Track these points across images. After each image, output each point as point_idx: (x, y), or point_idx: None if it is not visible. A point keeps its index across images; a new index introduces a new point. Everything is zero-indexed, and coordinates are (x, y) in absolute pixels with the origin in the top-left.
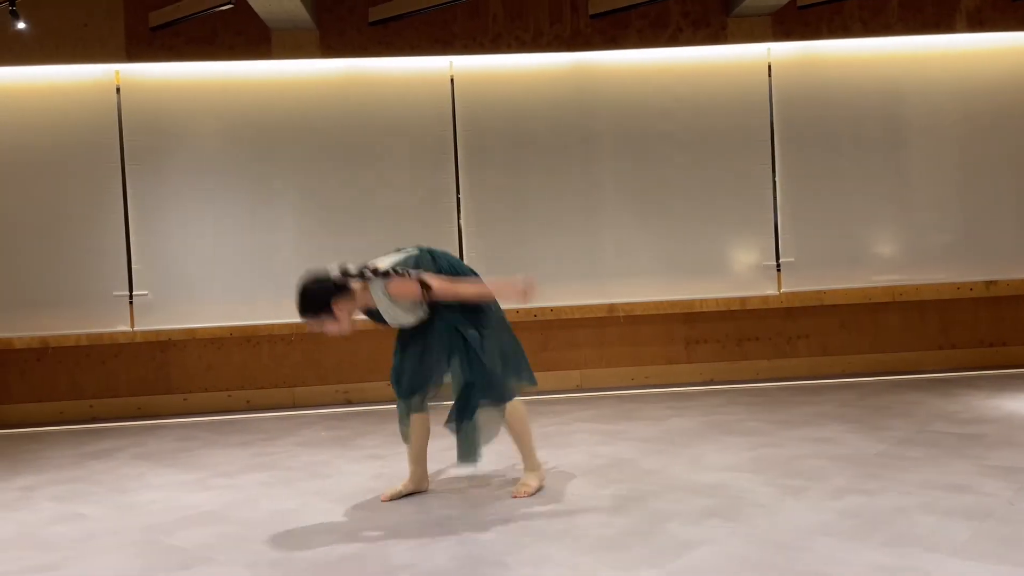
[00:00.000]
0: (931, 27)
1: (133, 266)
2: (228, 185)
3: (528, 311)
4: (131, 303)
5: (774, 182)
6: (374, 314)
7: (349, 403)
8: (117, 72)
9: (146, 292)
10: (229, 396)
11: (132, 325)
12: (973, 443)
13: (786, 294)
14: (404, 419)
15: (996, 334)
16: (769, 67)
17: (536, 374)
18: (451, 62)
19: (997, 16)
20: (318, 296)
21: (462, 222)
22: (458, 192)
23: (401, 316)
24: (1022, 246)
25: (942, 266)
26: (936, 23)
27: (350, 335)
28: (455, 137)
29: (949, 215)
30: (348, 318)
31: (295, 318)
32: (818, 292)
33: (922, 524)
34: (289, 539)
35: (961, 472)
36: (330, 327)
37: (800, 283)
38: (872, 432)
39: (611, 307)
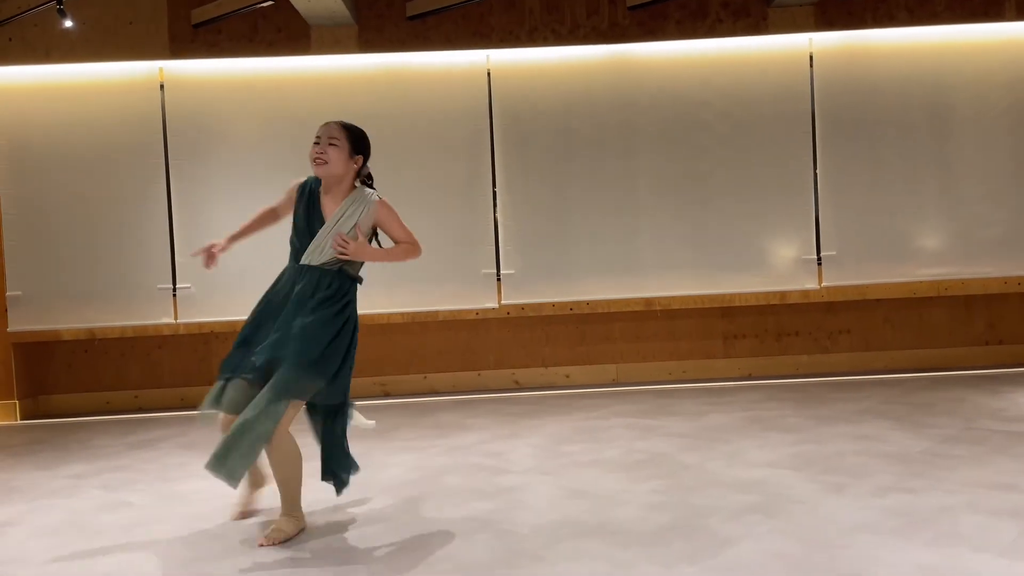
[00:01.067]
0: (979, 15)
1: (176, 260)
2: (268, 180)
3: (564, 304)
4: (174, 296)
5: (815, 174)
6: (308, 214)
7: (387, 395)
8: (161, 69)
9: (189, 285)
10: None
11: (176, 317)
12: (1020, 441)
13: (827, 288)
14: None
15: None
16: (811, 57)
17: (572, 368)
18: (487, 56)
19: None
20: (358, 135)
21: (498, 215)
22: (494, 186)
23: (327, 243)
24: None
25: (989, 260)
26: (984, 11)
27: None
28: (491, 131)
29: (997, 207)
30: (339, 164)
31: None
32: (860, 286)
33: (968, 523)
34: (330, 528)
35: (1007, 471)
36: (330, 153)
37: (842, 277)
38: (916, 429)
39: (648, 301)
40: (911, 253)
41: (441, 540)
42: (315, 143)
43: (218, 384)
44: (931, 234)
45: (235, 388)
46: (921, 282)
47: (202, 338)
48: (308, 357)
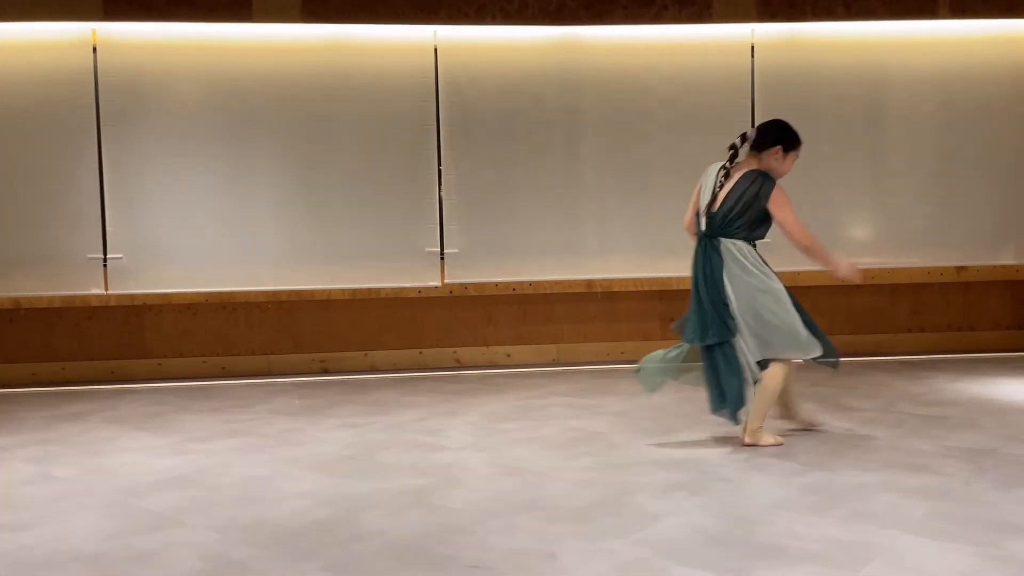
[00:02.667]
0: (914, 12)
1: (108, 229)
2: (206, 149)
3: (507, 285)
4: (105, 266)
5: None
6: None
7: (326, 372)
8: (94, 31)
9: (120, 256)
10: (204, 362)
11: (106, 288)
12: (935, 425)
13: None
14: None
15: (965, 319)
16: (752, 48)
17: (513, 348)
18: (435, 32)
19: (979, 3)
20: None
21: (443, 193)
22: (439, 164)
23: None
24: (994, 233)
25: (915, 251)
26: (919, 9)
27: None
28: (437, 108)
29: (925, 201)
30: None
31: (272, 285)
32: (792, 273)
33: (880, 501)
34: (260, 504)
35: (921, 452)
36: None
37: (775, 264)
38: (839, 411)
39: (589, 283)
40: (841, 242)
41: (372, 515)
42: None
43: None
44: (861, 225)
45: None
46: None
47: (134, 310)
48: None
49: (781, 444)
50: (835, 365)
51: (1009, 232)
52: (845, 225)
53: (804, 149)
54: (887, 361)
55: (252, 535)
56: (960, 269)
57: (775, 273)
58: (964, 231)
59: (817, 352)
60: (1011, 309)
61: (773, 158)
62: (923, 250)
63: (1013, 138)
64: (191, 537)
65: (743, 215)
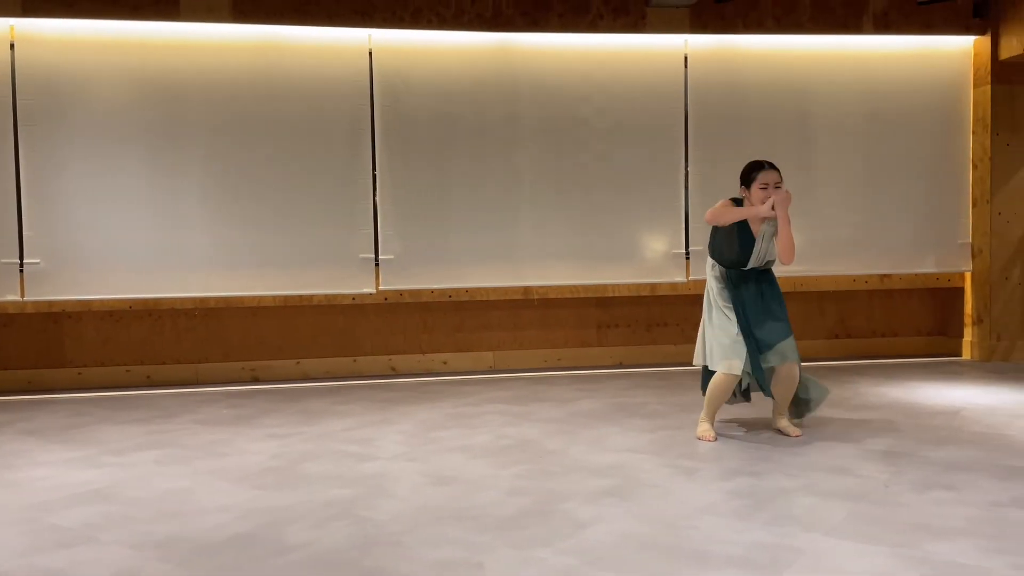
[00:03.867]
0: (840, 27)
1: (24, 232)
2: (130, 151)
3: (443, 291)
4: (21, 271)
5: (686, 171)
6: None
7: (256, 381)
8: (12, 27)
9: (38, 260)
10: (128, 371)
11: (23, 295)
12: (857, 428)
13: (694, 281)
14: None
15: (888, 325)
16: (686, 58)
17: (450, 355)
18: (370, 35)
19: (902, 19)
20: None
21: (378, 198)
22: (374, 168)
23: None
24: (915, 242)
25: (841, 259)
26: (845, 24)
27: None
28: (372, 112)
29: (850, 211)
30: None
31: (200, 292)
32: None
33: (802, 505)
34: (177, 519)
35: (844, 455)
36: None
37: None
38: (767, 416)
39: (526, 290)
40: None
41: (295, 528)
42: (762, 188)
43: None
44: None
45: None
46: (778, 278)
47: (52, 317)
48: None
49: (709, 440)
50: (703, 391)
51: (930, 241)
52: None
53: (735, 159)
54: (815, 367)
55: (167, 551)
56: (884, 277)
57: (730, 295)
58: (887, 240)
59: (712, 366)
60: (931, 315)
61: (746, 198)
62: (848, 259)
63: (934, 150)
64: (103, 554)
65: (712, 238)
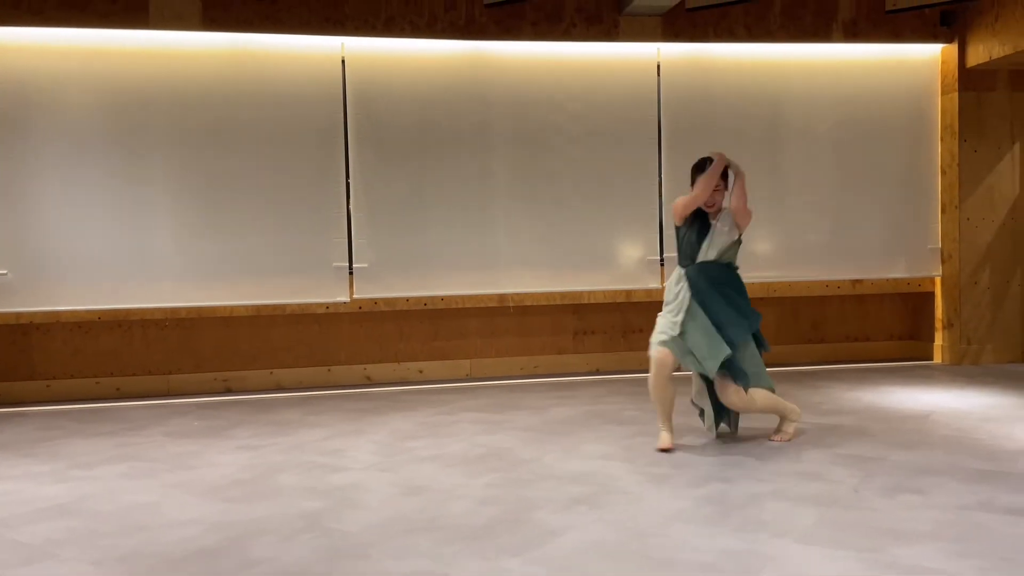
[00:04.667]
0: (810, 36)
1: None
2: (99, 161)
3: (418, 299)
4: None
5: (660, 179)
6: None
7: (229, 391)
8: None
9: (5, 272)
10: (97, 383)
11: None
12: (829, 433)
13: None
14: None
15: (861, 330)
16: (658, 66)
17: (425, 363)
18: (343, 43)
19: (870, 28)
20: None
21: (352, 206)
22: (348, 177)
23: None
24: (885, 248)
25: (813, 265)
26: (814, 32)
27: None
28: (345, 120)
29: (821, 217)
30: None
31: (171, 302)
32: None
33: (772, 510)
34: (142, 533)
35: (815, 460)
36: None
37: None
38: (740, 421)
39: (502, 297)
40: (744, 257)
41: (262, 542)
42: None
43: None
44: (762, 239)
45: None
46: (752, 283)
47: (20, 329)
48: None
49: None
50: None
51: (900, 247)
52: (747, 240)
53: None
54: (789, 371)
55: (130, 566)
56: (855, 282)
57: (672, 301)
58: (859, 246)
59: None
60: (903, 320)
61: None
62: (821, 264)
63: (903, 156)
64: (63, 571)
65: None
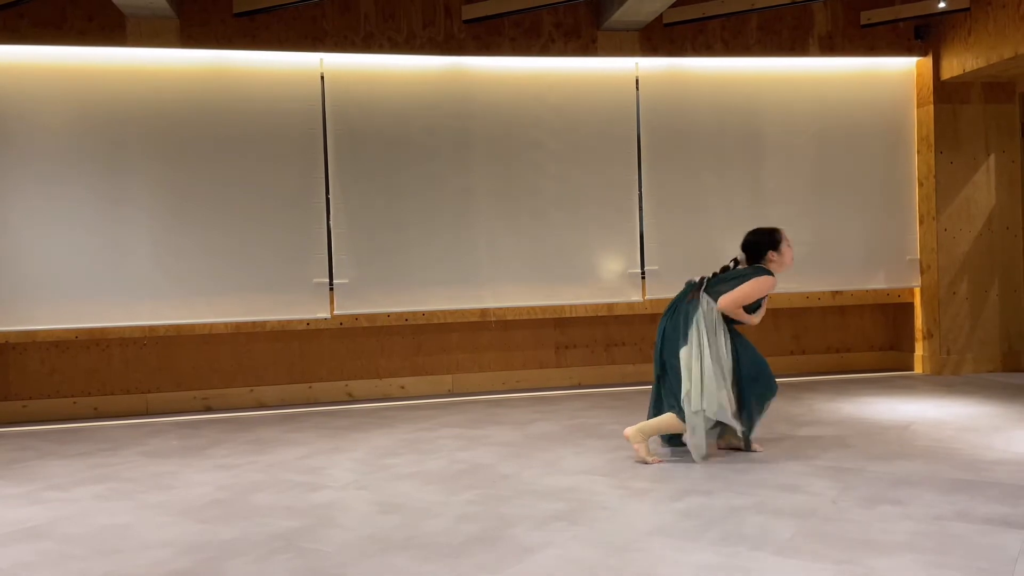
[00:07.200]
0: (786, 50)
1: None
2: (76, 178)
3: (399, 315)
4: None
5: (640, 193)
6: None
7: (209, 410)
8: None
9: None
10: (74, 403)
11: None
12: (809, 444)
13: (650, 300)
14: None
15: (841, 341)
16: (637, 81)
17: (408, 379)
18: (321, 59)
19: (846, 42)
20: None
21: (332, 222)
22: (328, 192)
23: None
24: (864, 259)
25: (793, 277)
26: (791, 46)
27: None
28: (325, 136)
29: (800, 228)
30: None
31: (149, 320)
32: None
33: (751, 523)
34: (115, 556)
35: (794, 473)
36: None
37: (664, 290)
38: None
39: (483, 312)
40: None
41: (237, 563)
42: (789, 247)
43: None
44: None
45: None
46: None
47: None
48: None
49: (647, 462)
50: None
51: (879, 258)
52: (728, 253)
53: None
54: None
55: None
56: (835, 294)
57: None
58: (838, 258)
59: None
60: (883, 331)
61: (773, 261)
62: (800, 276)
63: (880, 168)
64: None
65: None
